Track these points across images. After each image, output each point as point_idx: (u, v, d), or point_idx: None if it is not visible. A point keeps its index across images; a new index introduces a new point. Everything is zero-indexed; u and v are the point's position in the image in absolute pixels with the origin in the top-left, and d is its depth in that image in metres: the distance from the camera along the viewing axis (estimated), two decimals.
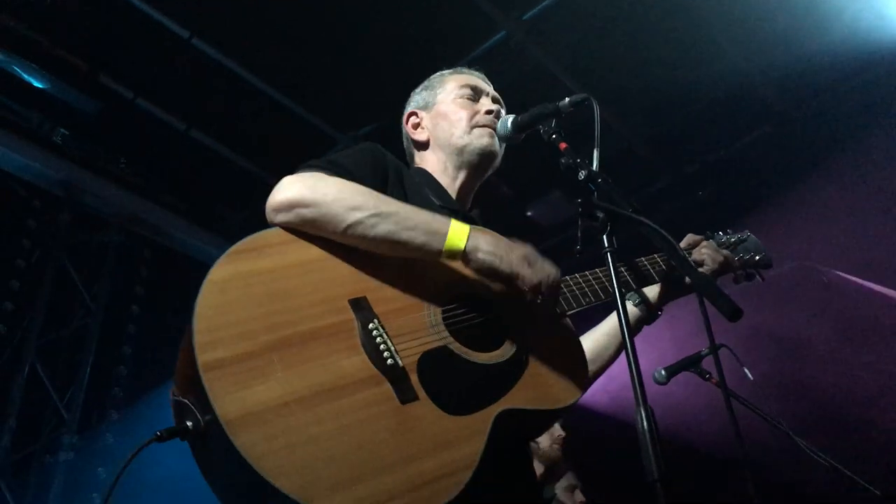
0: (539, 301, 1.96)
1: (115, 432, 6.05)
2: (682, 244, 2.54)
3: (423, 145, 2.56)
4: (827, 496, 4.24)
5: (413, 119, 2.61)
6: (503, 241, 2.00)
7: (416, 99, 2.67)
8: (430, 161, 2.54)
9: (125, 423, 6.13)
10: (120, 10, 5.25)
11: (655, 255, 2.45)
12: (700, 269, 2.43)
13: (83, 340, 6.16)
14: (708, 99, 6.18)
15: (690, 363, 3.70)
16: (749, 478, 2.80)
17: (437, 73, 2.71)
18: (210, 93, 5.90)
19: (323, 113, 6.18)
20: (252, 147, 6.38)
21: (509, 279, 1.94)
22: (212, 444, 1.64)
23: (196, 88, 5.88)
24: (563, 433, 4.96)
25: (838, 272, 6.82)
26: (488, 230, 2.04)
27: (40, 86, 5.60)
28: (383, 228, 1.91)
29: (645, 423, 1.50)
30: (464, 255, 1.93)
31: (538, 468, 4.80)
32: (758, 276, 2.66)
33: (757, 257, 2.63)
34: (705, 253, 2.49)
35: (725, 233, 2.69)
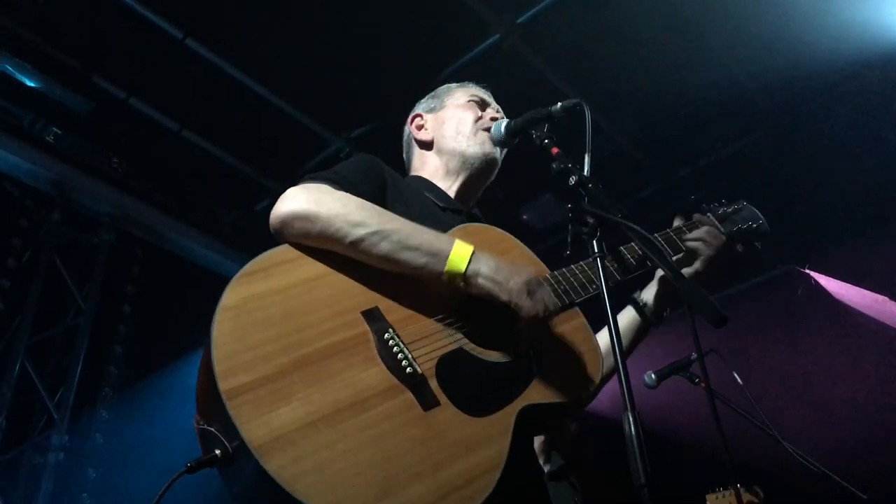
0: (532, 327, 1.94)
1: (105, 432, 6.03)
2: (685, 222, 2.56)
3: (426, 145, 2.61)
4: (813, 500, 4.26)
5: (418, 120, 2.69)
6: (505, 266, 1.97)
7: (423, 104, 2.74)
8: (430, 164, 2.57)
9: (115, 423, 6.11)
10: (114, 10, 5.23)
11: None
12: (700, 246, 2.44)
13: (74, 340, 6.14)
14: (700, 103, 6.19)
15: (681, 367, 3.72)
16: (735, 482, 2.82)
17: (445, 86, 2.77)
18: (203, 93, 5.90)
19: (316, 114, 6.17)
20: (244, 147, 6.37)
21: (507, 307, 1.93)
22: (241, 470, 1.64)
23: (189, 89, 5.87)
24: None
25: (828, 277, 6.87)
26: (493, 254, 2.01)
27: (33, 85, 5.58)
28: (385, 247, 1.92)
29: (632, 428, 1.52)
30: (464, 279, 1.93)
31: (539, 436, 4.68)
32: (756, 245, 2.65)
33: (754, 226, 2.63)
34: (706, 232, 2.48)
35: (721, 204, 2.70)
